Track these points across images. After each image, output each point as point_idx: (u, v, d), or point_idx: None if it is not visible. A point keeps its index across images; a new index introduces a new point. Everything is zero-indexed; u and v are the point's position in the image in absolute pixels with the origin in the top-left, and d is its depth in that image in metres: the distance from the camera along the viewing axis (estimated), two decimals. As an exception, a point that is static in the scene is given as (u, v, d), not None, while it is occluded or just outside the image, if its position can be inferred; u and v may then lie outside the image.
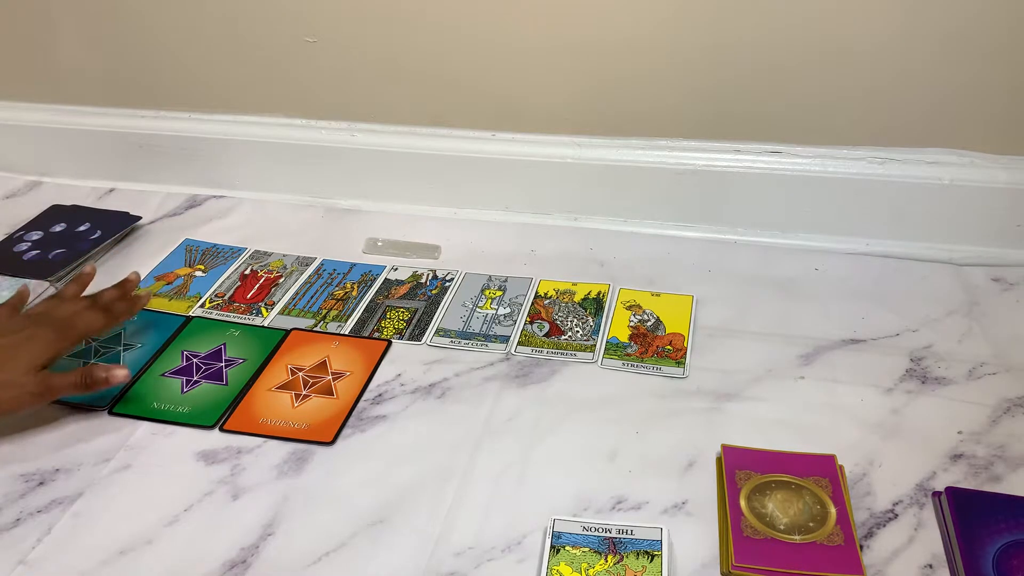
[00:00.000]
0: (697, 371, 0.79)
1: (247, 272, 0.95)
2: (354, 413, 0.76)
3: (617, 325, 0.86)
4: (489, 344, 0.84)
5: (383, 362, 0.82)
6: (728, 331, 0.84)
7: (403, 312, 0.88)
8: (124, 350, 0.83)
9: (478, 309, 0.88)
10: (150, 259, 0.97)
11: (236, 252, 0.99)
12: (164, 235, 1.02)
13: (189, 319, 0.88)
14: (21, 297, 0.80)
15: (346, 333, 0.86)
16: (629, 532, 0.63)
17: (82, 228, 1.01)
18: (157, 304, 0.90)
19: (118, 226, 1.01)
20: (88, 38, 1.02)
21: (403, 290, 0.92)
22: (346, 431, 0.74)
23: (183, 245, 1.00)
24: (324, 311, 0.89)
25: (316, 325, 0.87)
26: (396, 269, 0.95)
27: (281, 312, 0.89)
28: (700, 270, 0.93)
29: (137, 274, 0.84)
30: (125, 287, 0.82)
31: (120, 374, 0.73)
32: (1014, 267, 0.91)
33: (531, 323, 0.86)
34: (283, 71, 0.99)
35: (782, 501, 0.65)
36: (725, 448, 0.70)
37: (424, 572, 0.62)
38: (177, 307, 0.90)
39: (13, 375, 0.70)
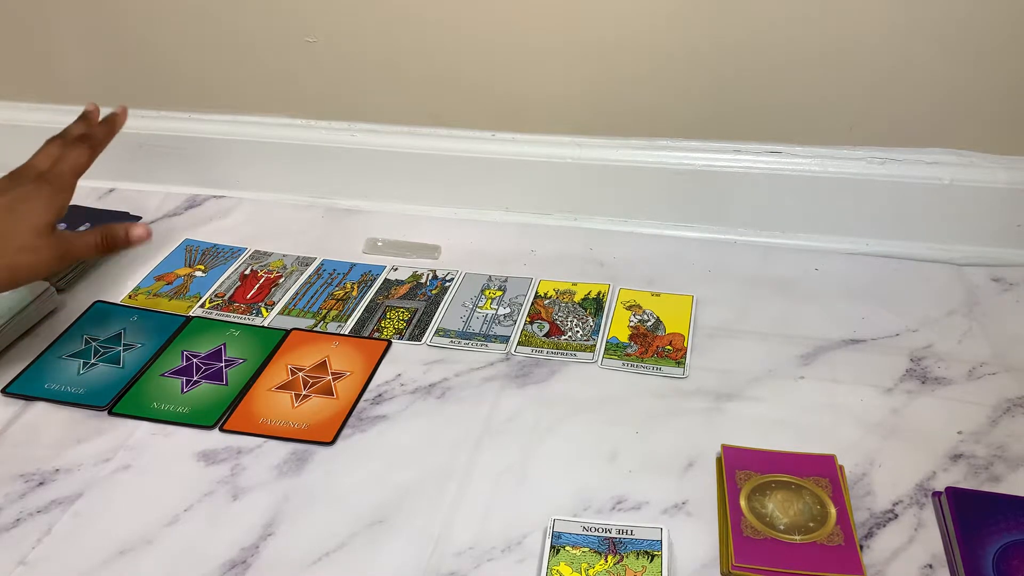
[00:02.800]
0: (697, 371, 0.79)
1: (247, 272, 0.95)
2: (354, 413, 0.76)
3: (617, 325, 0.86)
4: (489, 344, 0.84)
5: (383, 362, 0.82)
6: (728, 331, 0.84)
7: (403, 312, 0.88)
8: (124, 350, 0.83)
9: (478, 309, 0.88)
10: (150, 259, 0.97)
11: (236, 252, 0.99)
12: (164, 235, 1.02)
13: (189, 319, 0.88)
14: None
15: (346, 333, 0.86)
16: (629, 532, 0.63)
17: (82, 228, 1.01)
18: (157, 304, 0.90)
19: (118, 226, 1.01)
20: (88, 38, 1.02)
21: (403, 290, 0.92)
22: (346, 431, 0.74)
23: (183, 245, 1.00)
24: (324, 311, 0.89)
25: (316, 325, 0.87)
26: (396, 269, 0.95)
27: (281, 312, 0.89)
28: (700, 270, 0.93)
29: (94, 104, 0.78)
30: (89, 118, 0.77)
31: (138, 232, 0.69)
32: (1014, 267, 0.91)
33: (531, 323, 0.86)
34: (283, 71, 0.99)
35: (782, 501, 0.65)
36: (725, 448, 0.70)
37: (424, 572, 0.62)
38: (177, 307, 0.90)
39: (26, 239, 0.65)
